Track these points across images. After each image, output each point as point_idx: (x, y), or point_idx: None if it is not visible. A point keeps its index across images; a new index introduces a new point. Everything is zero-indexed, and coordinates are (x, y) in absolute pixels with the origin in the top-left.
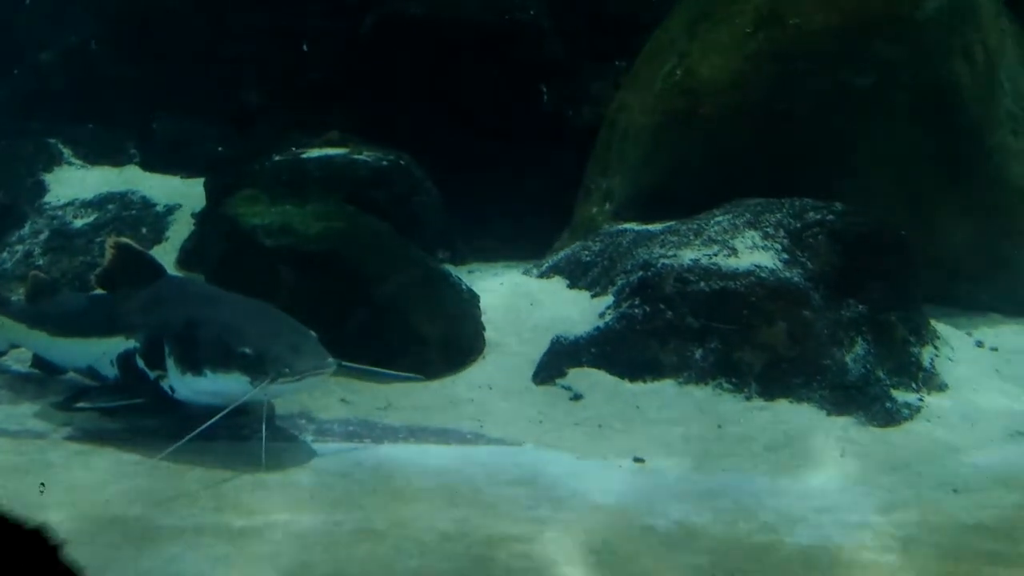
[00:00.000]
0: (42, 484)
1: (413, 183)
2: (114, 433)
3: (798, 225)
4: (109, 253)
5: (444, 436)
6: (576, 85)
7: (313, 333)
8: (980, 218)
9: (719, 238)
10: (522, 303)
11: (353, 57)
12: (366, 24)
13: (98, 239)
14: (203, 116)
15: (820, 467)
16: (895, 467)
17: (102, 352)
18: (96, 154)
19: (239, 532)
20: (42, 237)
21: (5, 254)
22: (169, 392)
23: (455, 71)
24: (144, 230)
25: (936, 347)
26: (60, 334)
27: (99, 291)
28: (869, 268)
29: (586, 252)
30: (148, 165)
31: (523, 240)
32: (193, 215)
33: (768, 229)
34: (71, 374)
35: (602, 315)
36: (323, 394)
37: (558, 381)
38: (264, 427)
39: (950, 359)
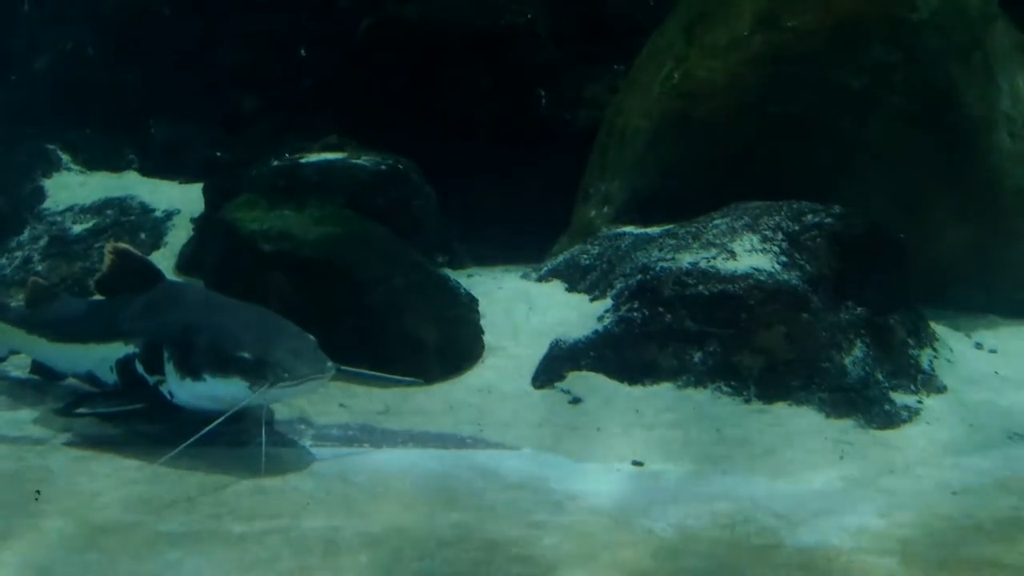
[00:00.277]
0: (37, 492)
1: (411, 187)
2: (113, 439)
3: (796, 228)
4: (108, 259)
5: (443, 440)
6: (573, 89)
7: (312, 337)
8: (978, 220)
9: (717, 241)
10: (521, 307)
11: (349, 61)
12: (361, 29)
13: (97, 245)
14: (201, 121)
15: (819, 470)
16: (894, 470)
17: (101, 358)
18: (95, 160)
19: (239, 538)
20: (41, 243)
21: (4, 260)
22: (168, 397)
23: (451, 75)
24: (143, 235)
25: (935, 349)
26: (59, 340)
27: (98, 296)
28: (867, 270)
29: (585, 256)
30: (146, 170)
31: (522, 244)
32: (192, 220)
33: (766, 232)
34: (70, 380)
35: (601, 319)
36: (322, 399)
37: (557, 385)
38: (263, 432)
39: (949, 361)
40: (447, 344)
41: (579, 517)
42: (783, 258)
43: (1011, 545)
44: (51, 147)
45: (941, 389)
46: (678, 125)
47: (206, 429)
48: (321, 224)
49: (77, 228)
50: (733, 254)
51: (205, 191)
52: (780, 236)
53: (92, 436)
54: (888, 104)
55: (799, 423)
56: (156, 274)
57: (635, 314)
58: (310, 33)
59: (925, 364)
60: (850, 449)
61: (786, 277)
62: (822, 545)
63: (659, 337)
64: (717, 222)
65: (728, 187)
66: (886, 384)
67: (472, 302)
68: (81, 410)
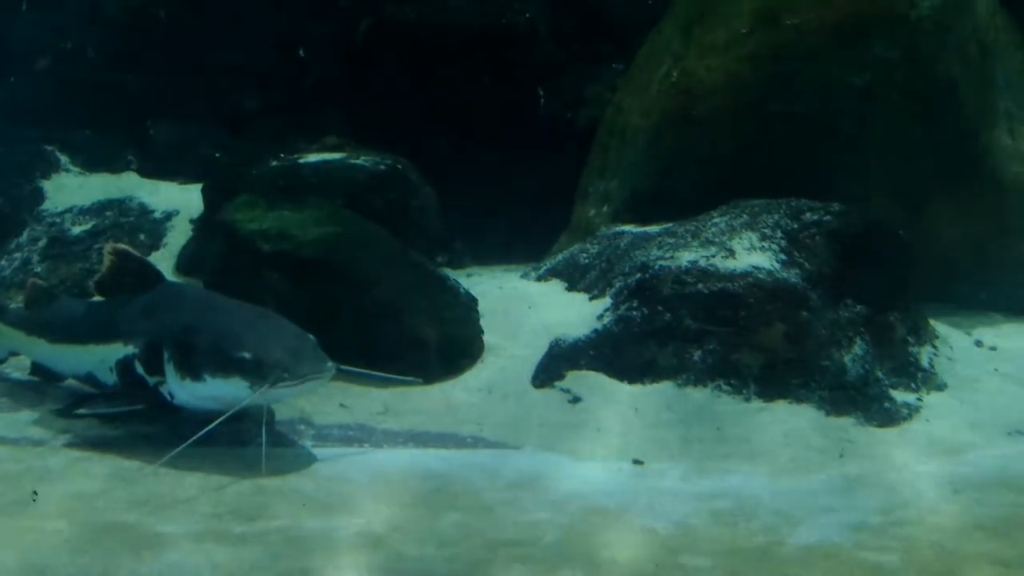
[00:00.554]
0: (35, 492)
1: (410, 187)
2: (113, 439)
3: (795, 226)
4: (107, 260)
5: (443, 440)
6: (572, 88)
7: (312, 337)
8: (978, 217)
9: (717, 239)
10: (520, 306)
11: (349, 62)
12: (361, 29)
13: (96, 246)
14: (200, 122)
15: (820, 468)
16: (894, 467)
17: (101, 359)
18: (94, 161)
19: (239, 538)
20: (40, 244)
21: (3, 261)
22: (168, 398)
23: (451, 75)
24: (142, 236)
25: (935, 347)
26: (59, 341)
27: (97, 298)
28: (867, 268)
29: (584, 255)
30: (146, 172)
31: (521, 243)
32: (191, 221)
33: (766, 230)
34: (70, 381)
35: (600, 317)
36: (322, 399)
37: (557, 384)
38: (264, 432)
39: (949, 358)
40: (447, 343)
41: (580, 516)
42: (782, 256)
43: (1012, 542)
44: (50, 148)
45: (941, 386)
46: (677, 124)
47: (206, 429)
48: (320, 224)
49: (76, 229)
50: (732, 252)
51: (204, 192)
52: (779, 234)
53: (92, 437)
54: (888, 102)
55: (799, 421)
56: (155, 275)
57: (634, 313)
58: (310, 34)
59: (925, 362)
60: (850, 447)
61: (785, 275)
62: (823, 543)
63: (658, 336)
64: (716, 220)
65: (727, 185)
66: (886, 382)
67: (472, 302)
68: (81, 411)
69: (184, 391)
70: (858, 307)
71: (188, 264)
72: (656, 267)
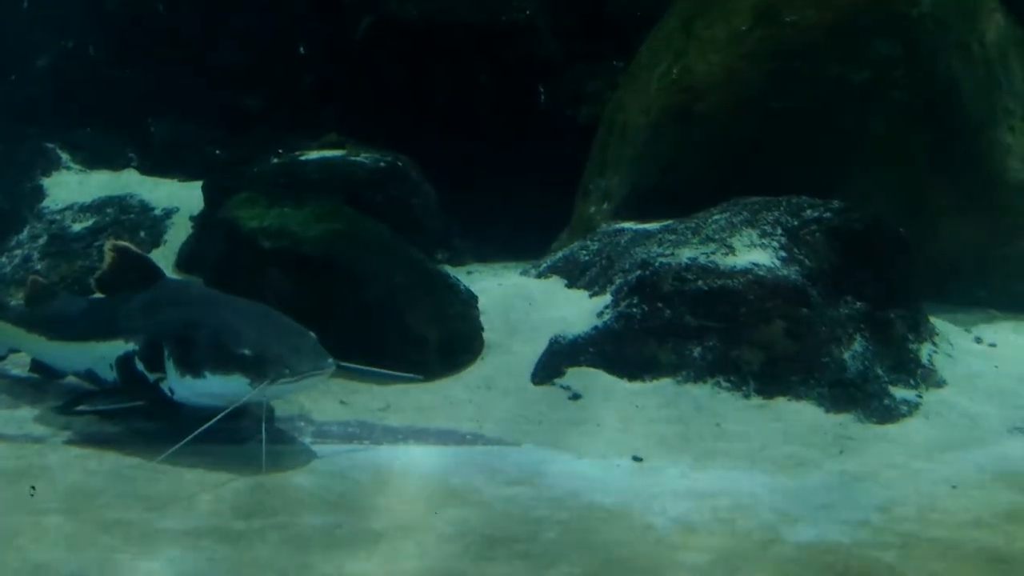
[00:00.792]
0: (32, 487)
1: (411, 184)
2: (113, 436)
3: (795, 223)
4: (108, 257)
5: (443, 437)
6: (573, 85)
7: (312, 334)
8: (978, 214)
9: (717, 236)
10: (520, 303)
11: (350, 59)
12: (362, 26)
13: (96, 243)
14: (201, 120)
15: (819, 464)
16: (893, 464)
17: (101, 355)
18: (94, 158)
19: (238, 535)
20: (41, 242)
21: (4, 259)
22: (168, 394)
23: (452, 72)
24: (142, 234)
25: (935, 344)
26: (59, 338)
27: (98, 295)
28: (867, 265)
29: (584, 252)
30: (146, 169)
31: (521, 240)
32: (191, 218)
33: (766, 227)
34: (70, 378)
35: (600, 314)
36: (322, 396)
37: (556, 381)
38: (263, 429)
39: (949, 356)
40: (447, 340)
41: (579, 513)
42: (782, 253)
43: (1011, 539)
44: (51, 146)
45: (940, 383)
46: (677, 121)
47: (205, 426)
48: (321, 221)
49: (77, 227)
50: (732, 249)
51: (204, 189)
52: (779, 231)
53: (92, 434)
54: (888, 99)
55: (799, 418)
56: (156, 272)
57: (634, 310)
58: (311, 31)
59: (925, 359)
60: (850, 443)
61: (785, 272)
62: (822, 539)
63: (658, 333)
64: (716, 217)
65: (727, 182)
66: (885, 379)
67: (472, 299)
68: (81, 408)
69: (184, 388)
70: (858, 304)
71: (188, 261)
72: (656, 264)
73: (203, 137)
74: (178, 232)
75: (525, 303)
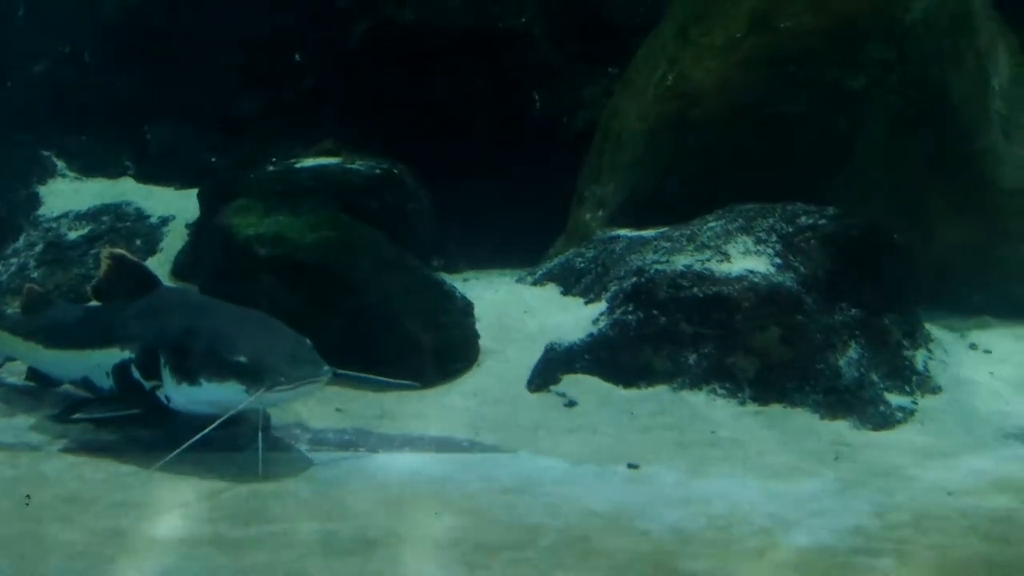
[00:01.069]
0: (28, 496)
1: (407, 192)
2: (109, 444)
3: (790, 229)
4: (104, 264)
5: (439, 444)
6: (569, 91)
7: (308, 341)
8: (972, 220)
9: (712, 243)
10: (516, 311)
11: (346, 65)
12: (358, 32)
13: (93, 251)
14: (196, 127)
15: (814, 471)
16: (889, 470)
17: (97, 363)
18: (90, 166)
19: (235, 542)
20: (37, 250)
21: (0, 267)
22: (165, 402)
23: (448, 77)
24: (138, 241)
25: (930, 350)
26: (55, 346)
27: (94, 303)
28: (862, 271)
29: (580, 259)
30: (142, 177)
31: (517, 247)
32: (187, 226)
33: (761, 234)
34: (66, 386)
35: (596, 322)
36: (318, 403)
37: (552, 388)
38: (260, 437)
39: (944, 362)
40: (443, 348)
41: (575, 520)
42: (777, 260)
43: (1005, 545)
44: (46, 153)
45: (935, 390)
46: (673, 127)
47: (202, 433)
48: (316, 229)
49: (73, 234)
50: (727, 256)
51: (200, 197)
52: (774, 238)
53: (88, 442)
54: (883, 104)
55: (794, 424)
56: (152, 280)
57: (630, 317)
58: (307, 37)
59: (920, 365)
60: (845, 450)
61: (780, 279)
62: (817, 546)
63: (654, 340)
64: (711, 224)
65: (723, 189)
66: (880, 385)
67: (467, 306)
68: (77, 416)
69: (180, 395)
70: (853, 311)
71: (184, 269)
72: (652, 271)
73: (199, 143)
74: (174, 240)
75: (521, 310)
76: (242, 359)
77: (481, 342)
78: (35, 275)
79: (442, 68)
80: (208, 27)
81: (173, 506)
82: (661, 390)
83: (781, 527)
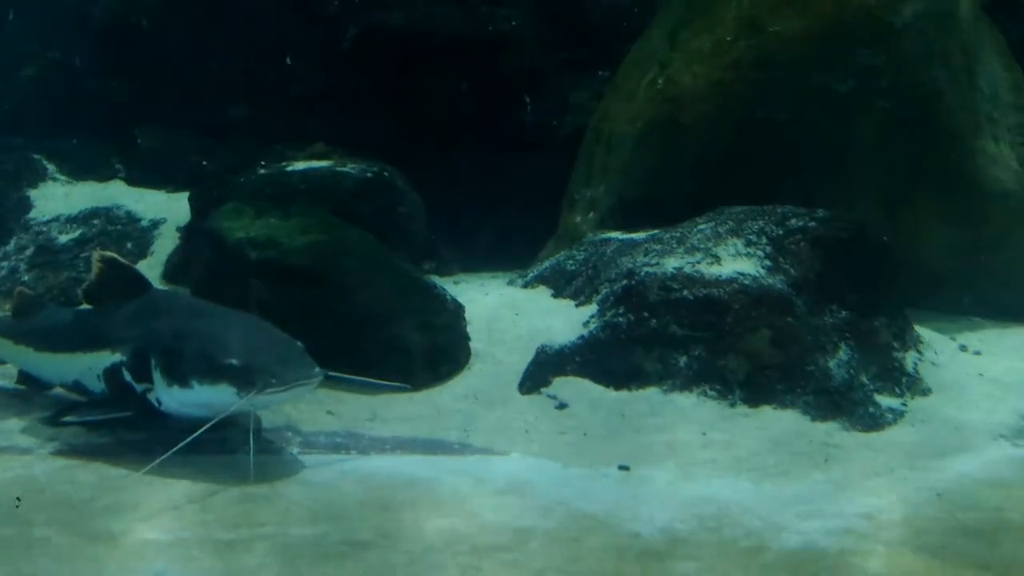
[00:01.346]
0: (18, 498)
1: (397, 195)
2: (101, 447)
3: (780, 232)
4: (95, 267)
5: (430, 446)
6: (559, 95)
7: (299, 344)
8: (962, 223)
9: (702, 246)
10: (507, 313)
11: (336, 69)
12: (348, 36)
13: (83, 254)
14: (187, 130)
15: (805, 473)
16: (879, 472)
17: (88, 366)
18: (81, 169)
19: (226, 545)
20: (27, 253)
21: None
22: (156, 405)
23: (438, 82)
24: (129, 245)
25: (919, 352)
26: (46, 349)
27: (85, 306)
28: (852, 274)
29: (570, 261)
30: (133, 180)
31: (508, 250)
32: (178, 229)
33: (751, 236)
34: (57, 389)
35: (586, 324)
36: (309, 406)
37: (543, 390)
38: (251, 440)
39: (933, 363)
40: (434, 350)
41: (566, 522)
42: (767, 262)
43: (995, 546)
44: (37, 157)
45: (926, 391)
46: (663, 131)
47: (193, 436)
48: (307, 232)
49: (63, 238)
50: (718, 259)
51: (191, 200)
52: (764, 240)
53: (79, 445)
54: (873, 108)
55: (784, 426)
56: (143, 283)
57: (620, 319)
58: (297, 41)
59: (910, 367)
60: (835, 452)
61: (770, 281)
62: (808, 547)
63: (644, 342)
64: (702, 227)
65: (713, 192)
66: (871, 387)
67: (458, 308)
68: (68, 419)
69: (172, 398)
70: (843, 313)
71: (175, 272)
72: (642, 273)
73: (189, 147)
74: (165, 243)
75: (512, 313)
76: (233, 361)
77: (472, 344)
78: (26, 278)
79: (432, 73)
80: (199, 31)
81: (164, 509)
82: (652, 392)
83: (772, 529)
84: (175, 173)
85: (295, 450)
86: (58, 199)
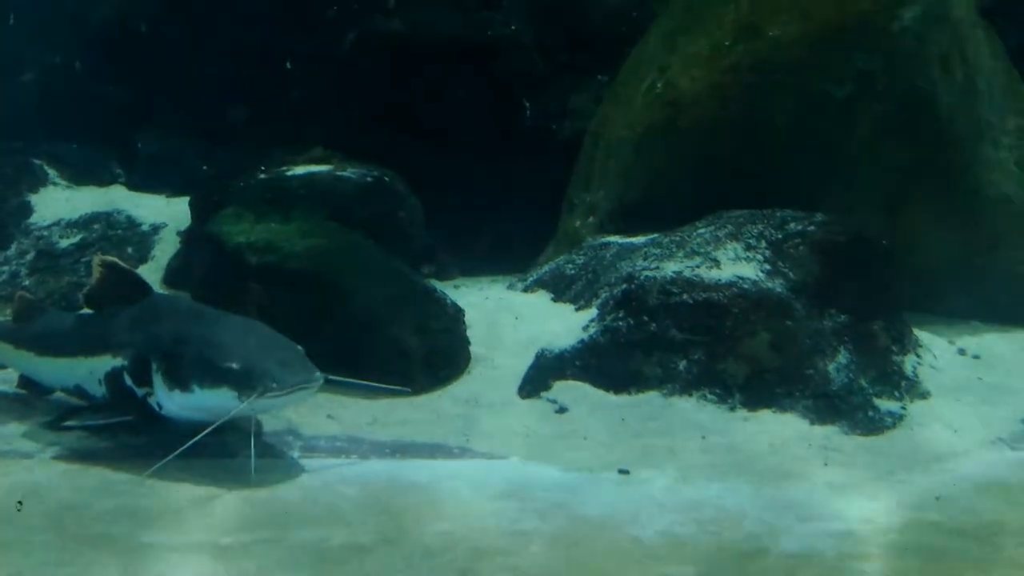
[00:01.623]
0: (19, 502)
1: (397, 199)
2: (101, 451)
3: (779, 236)
4: (96, 272)
5: (430, 450)
6: (558, 100)
7: (300, 348)
8: (960, 226)
9: (701, 250)
10: (507, 317)
11: (335, 74)
12: (347, 41)
13: (84, 259)
14: (187, 135)
15: (804, 477)
16: (878, 475)
17: (89, 371)
18: (81, 174)
19: (226, 549)
20: (28, 258)
21: None
22: (157, 409)
23: (437, 87)
24: (130, 249)
25: (918, 355)
26: (47, 354)
27: (86, 310)
28: (851, 277)
29: (570, 265)
30: (133, 185)
31: (508, 254)
32: (178, 234)
33: (750, 240)
34: (58, 394)
35: (586, 328)
36: (310, 410)
37: (543, 394)
38: (251, 444)
39: (932, 367)
40: (433, 354)
41: (565, 525)
42: (767, 266)
43: (994, 550)
44: (37, 162)
45: (925, 395)
46: (662, 135)
47: (193, 440)
48: (307, 236)
49: (64, 243)
50: (717, 263)
51: (191, 204)
52: (763, 244)
53: (80, 449)
54: (871, 112)
55: (783, 430)
56: (144, 287)
57: (620, 323)
58: (296, 46)
59: (909, 370)
60: (834, 455)
61: (770, 285)
62: (808, 551)
63: (644, 346)
64: (701, 231)
65: (712, 196)
66: (870, 390)
67: (458, 312)
68: (69, 423)
69: (172, 402)
70: (842, 316)
71: (176, 276)
72: (642, 277)
73: (189, 151)
74: (165, 247)
75: (511, 317)
76: (234, 365)
77: (472, 348)
78: (27, 283)
79: (431, 77)
80: (198, 36)
81: (165, 513)
82: (651, 396)
83: (771, 533)
84: (175, 178)
85: (296, 454)
86: (59, 204)
